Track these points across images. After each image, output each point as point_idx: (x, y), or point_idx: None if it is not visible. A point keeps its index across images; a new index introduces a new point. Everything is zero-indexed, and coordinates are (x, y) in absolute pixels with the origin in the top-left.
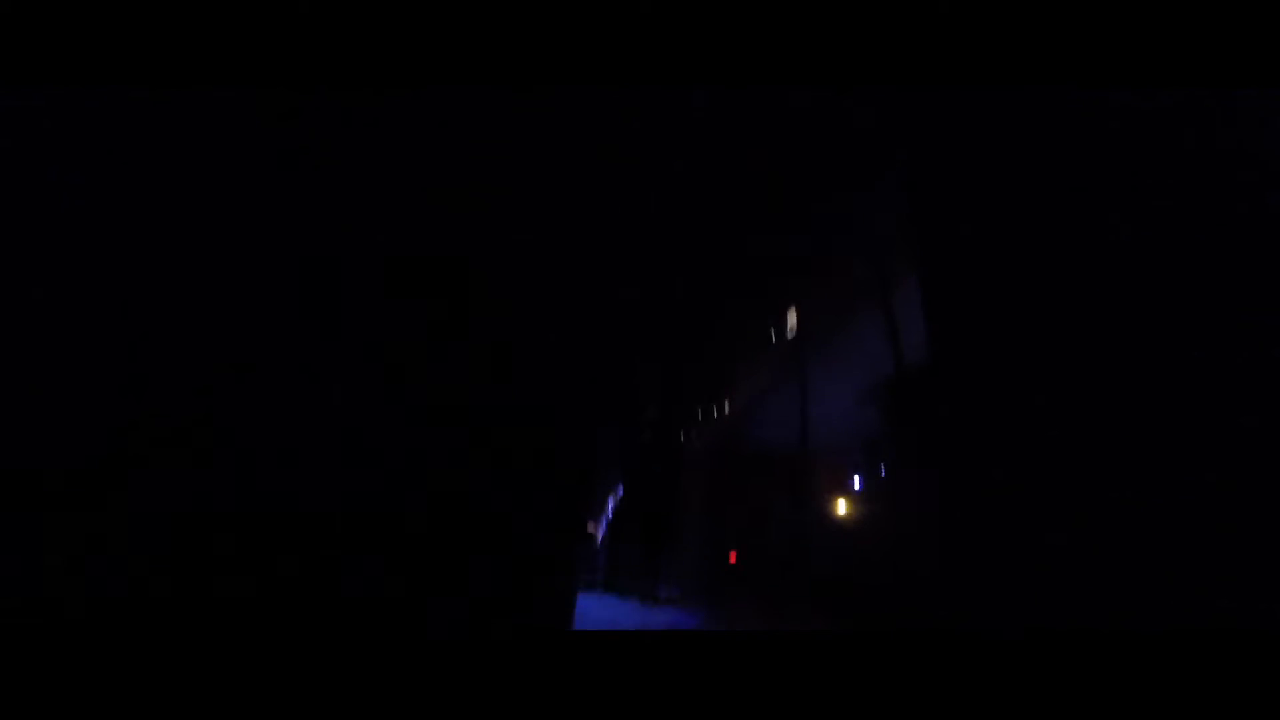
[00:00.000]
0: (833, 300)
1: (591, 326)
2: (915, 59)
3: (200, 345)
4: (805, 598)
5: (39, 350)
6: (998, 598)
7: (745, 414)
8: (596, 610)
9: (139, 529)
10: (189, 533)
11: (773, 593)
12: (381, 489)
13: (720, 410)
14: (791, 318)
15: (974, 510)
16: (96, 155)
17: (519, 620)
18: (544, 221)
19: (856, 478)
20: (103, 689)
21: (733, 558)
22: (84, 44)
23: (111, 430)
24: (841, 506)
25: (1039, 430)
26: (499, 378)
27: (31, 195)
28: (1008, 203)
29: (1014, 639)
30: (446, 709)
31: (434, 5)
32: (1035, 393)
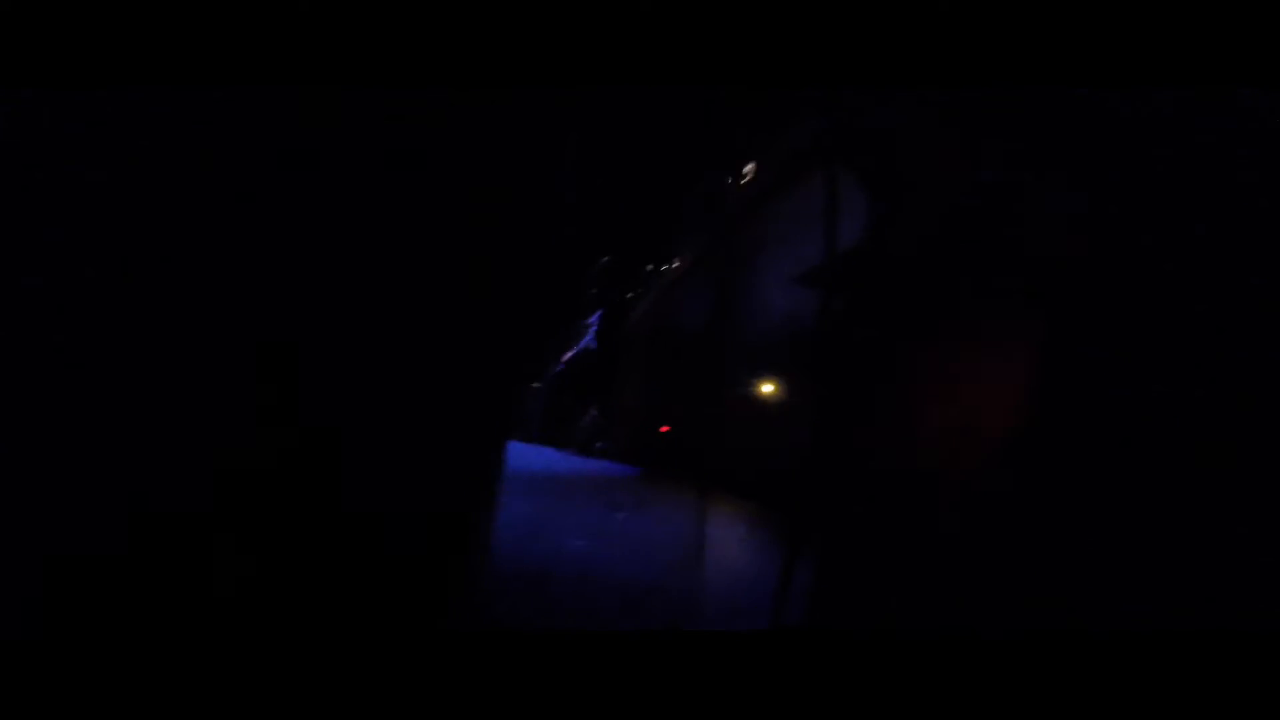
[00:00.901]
0: (789, 165)
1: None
2: (915, 59)
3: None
4: (727, 470)
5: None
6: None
7: (688, 285)
8: (533, 456)
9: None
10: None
11: (696, 460)
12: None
13: (667, 276)
14: (749, 168)
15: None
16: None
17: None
18: None
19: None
20: None
21: (664, 429)
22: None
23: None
24: (768, 388)
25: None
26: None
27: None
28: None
29: (1011, 639)
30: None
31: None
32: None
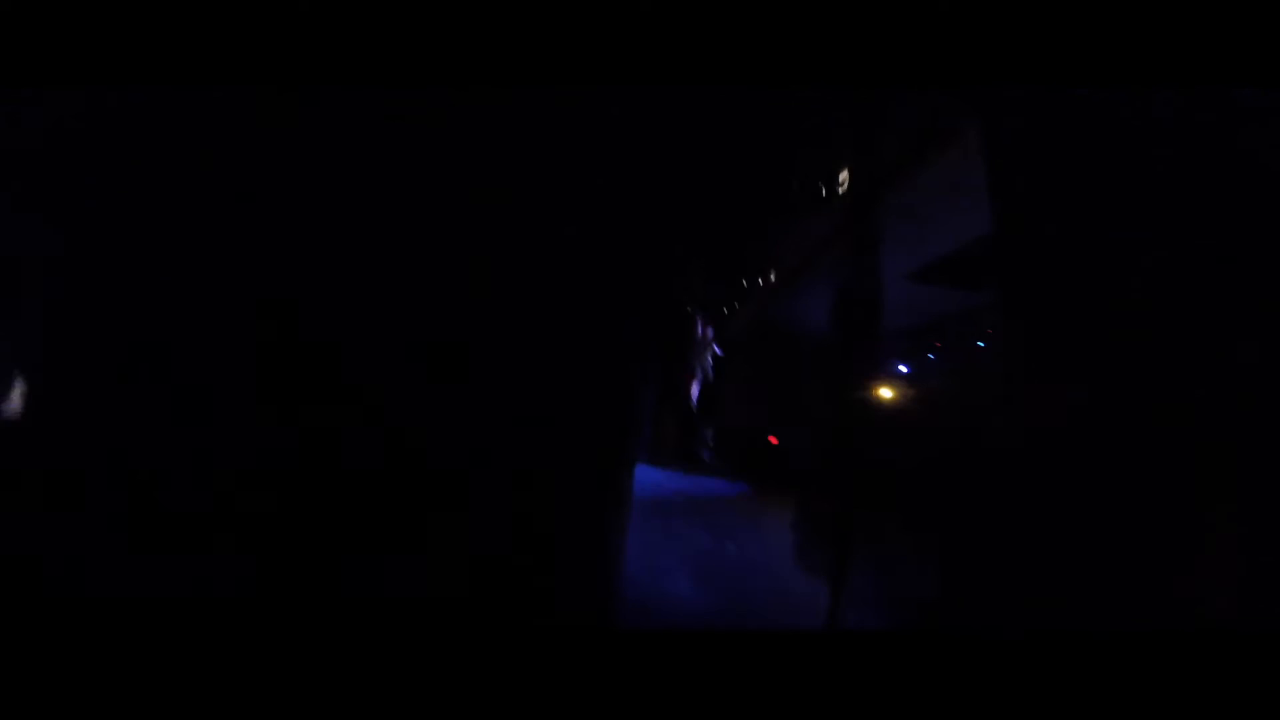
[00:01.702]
0: (888, 163)
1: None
2: (916, 59)
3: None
4: (845, 480)
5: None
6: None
7: (791, 289)
8: (641, 475)
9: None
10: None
11: (810, 472)
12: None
13: (766, 282)
14: (844, 175)
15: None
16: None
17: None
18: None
19: (902, 365)
20: None
21: (773, 440)
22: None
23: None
24: (886, 392)
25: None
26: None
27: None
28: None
29: (1014, 639)
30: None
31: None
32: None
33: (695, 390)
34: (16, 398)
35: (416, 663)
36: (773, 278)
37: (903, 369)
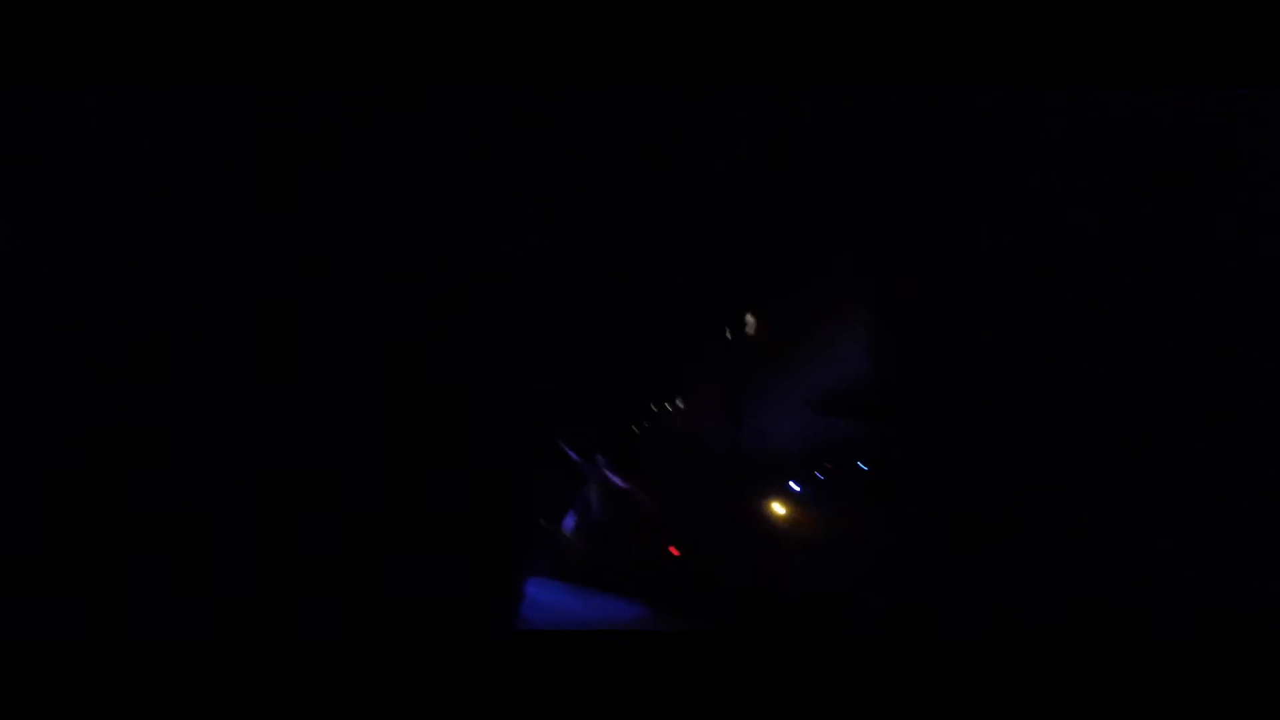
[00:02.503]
0: (793, 309)
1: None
2: (916, 59)
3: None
4: (737, 595)
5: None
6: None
7: (695, 414)
8: (541, 594)
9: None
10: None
11: (710, 589)
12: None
13: (672, 409)
14: (750, 319)
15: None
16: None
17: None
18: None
19: (793, 483)
20: None
21: (674, 551)
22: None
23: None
24: (779, 509)
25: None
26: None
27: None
28: (990, 203)
29: (1003, 638)
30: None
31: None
32: (1020, 394)
33: (570, 521)
34: None
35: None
36: (680, 405)
37: (794, 488)
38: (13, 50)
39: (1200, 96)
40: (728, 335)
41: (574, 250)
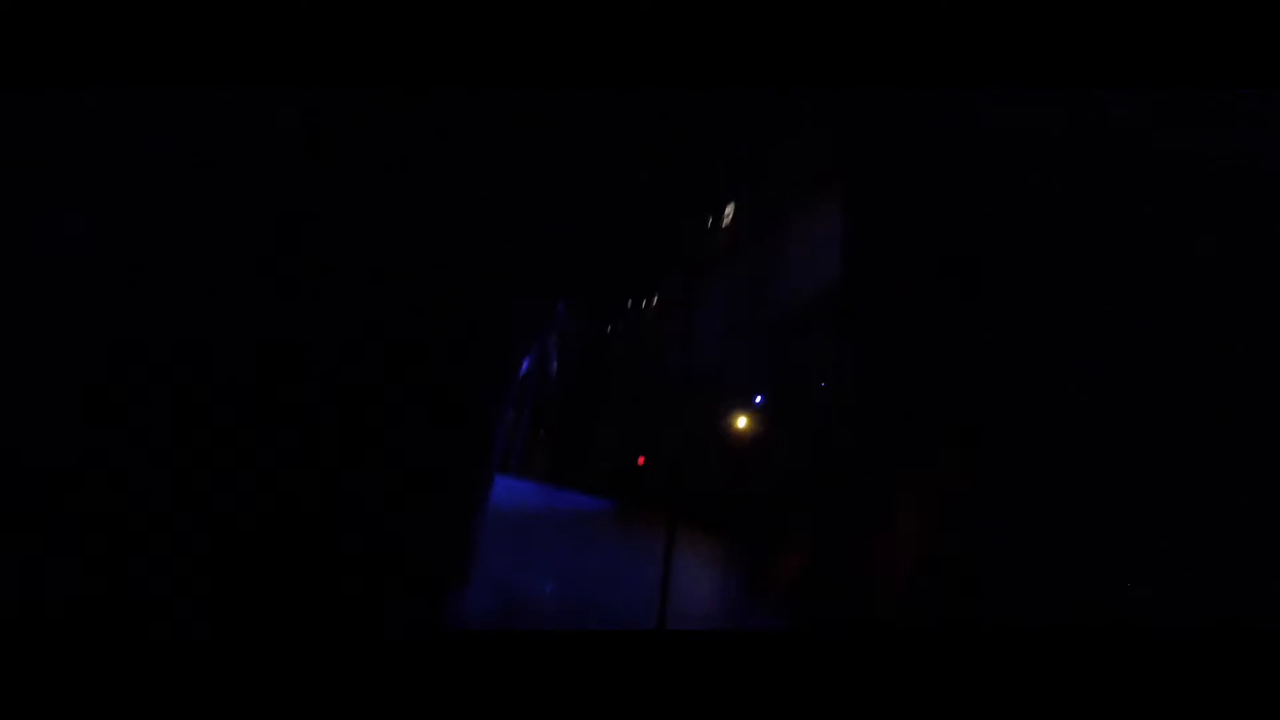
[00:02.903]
0: (770, 204)
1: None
2: (916, 58)
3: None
4: (693, 503)
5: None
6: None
7: (669, 313)
8: (507, 488)
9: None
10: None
11: (665, 495)
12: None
13: (648, 306)
14: (729, 210)
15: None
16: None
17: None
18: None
19: (759, 396)
20: None
21: (640, 460)
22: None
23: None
24: (741, 421)
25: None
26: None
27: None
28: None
29: (1002, 637)
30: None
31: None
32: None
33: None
34: None
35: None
36: (655, 302)
37: (758, 400)
38: (12, 50)
39: (1201, 96)
40: (708, 225)
41: (572, 249)
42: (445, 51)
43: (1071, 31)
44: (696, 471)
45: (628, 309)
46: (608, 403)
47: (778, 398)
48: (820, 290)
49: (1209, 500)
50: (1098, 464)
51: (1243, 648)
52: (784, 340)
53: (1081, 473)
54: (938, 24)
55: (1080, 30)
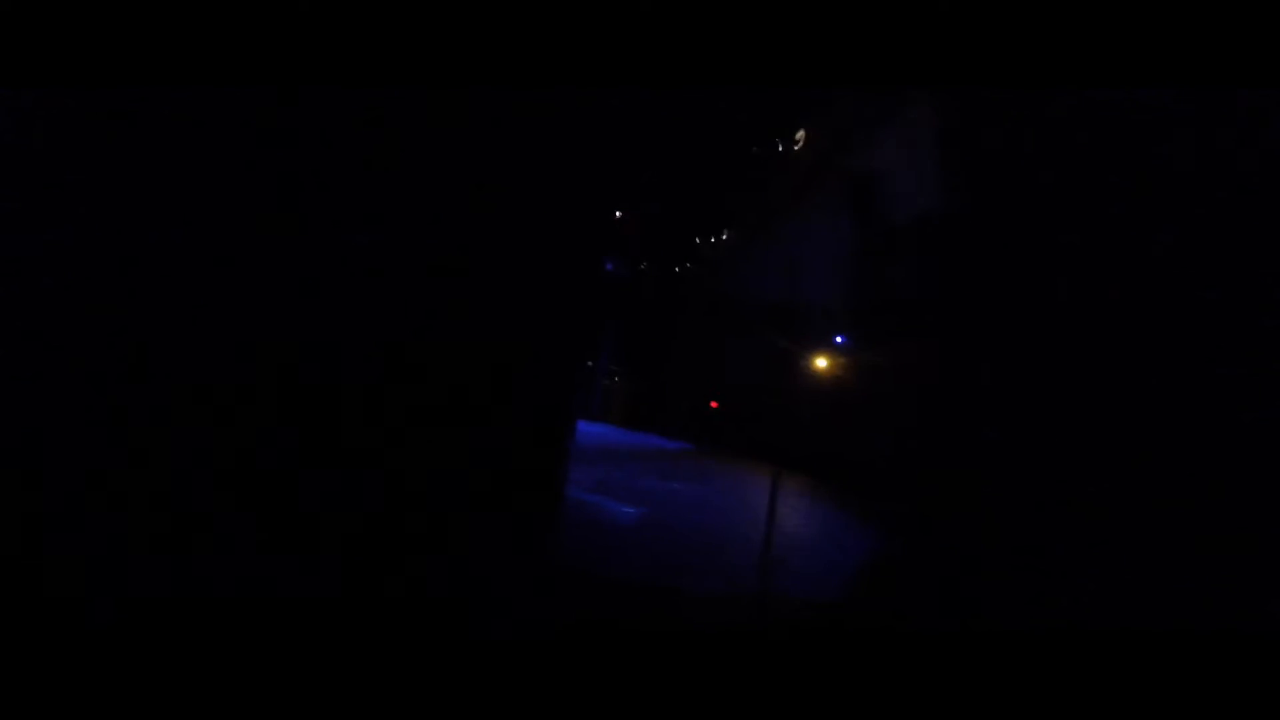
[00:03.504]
0: (842, 135)
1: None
2: (916, 58)
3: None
4: (767, 449)
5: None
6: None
7: (740, 254)
8: (585, 432)
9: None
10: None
11: (738, 439)
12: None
13: (717, 242)
14: (800, 134)
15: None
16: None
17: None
18: None
19: (839, 337)
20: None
21: (714, 404)
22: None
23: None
24: (821, 362)
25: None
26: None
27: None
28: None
29: (1017, 638)
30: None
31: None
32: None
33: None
34: None
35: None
36: (724, 237)
37: (839, 340)
38: (12, 50)
39: (1200, 96)
40: (778, 147)
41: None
42: (444, 51)
43: (1072, 32)
44: (776, 412)
45: (697, 244)
46: (681, 344)
47: (863, 332)
48: (911, 217)
49: (1209, 500)
50: (1099, 463)
51: (1242, 649)
52: (870, 272)
53: (1083, 472)
54: (938, 24)
55: (1080, 30)
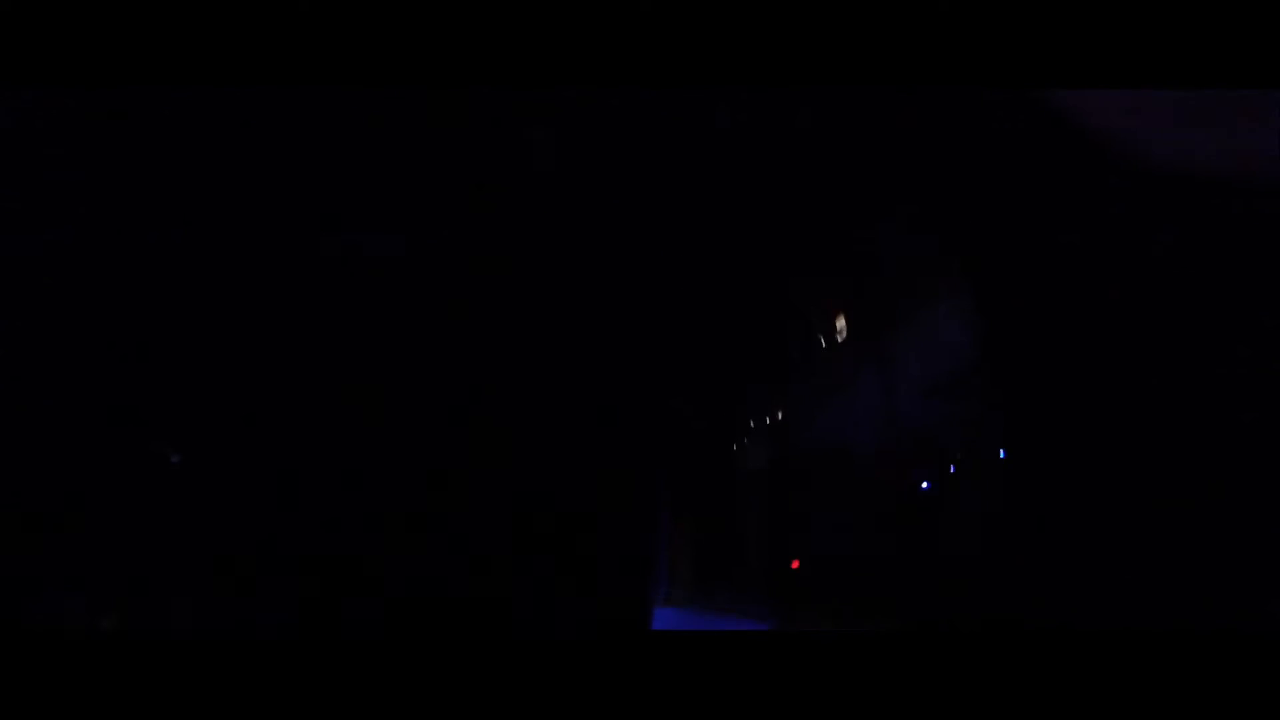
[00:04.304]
0: (880, 301)
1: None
2: (916, 58)
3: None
4: (863, 601)
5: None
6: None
7: (798, 422)
8: (658, 621)
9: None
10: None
11: (835, 598)
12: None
13: (773, 419)
14: (840, 322)
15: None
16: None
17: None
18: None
19: (925, 482)
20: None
21: (794, 564)
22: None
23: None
24: (905, 510)
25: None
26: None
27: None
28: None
29: (1033, 637)
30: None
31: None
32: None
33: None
34: None
35: None
36: (780, 416)
37: (924, 486)
38: (13, 50)
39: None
40: (821, 343)
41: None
42: (444, 52)
43: (1072, 32)
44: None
45: (750, 428)
46: (750, 509)
47: (940, 479)
48: (954, 367)
49: (1209, 500)
50: (1096, 463)
51: (1242, 648)
52: (932, 414)
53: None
54: (938, 24)
55: (1080, 30)
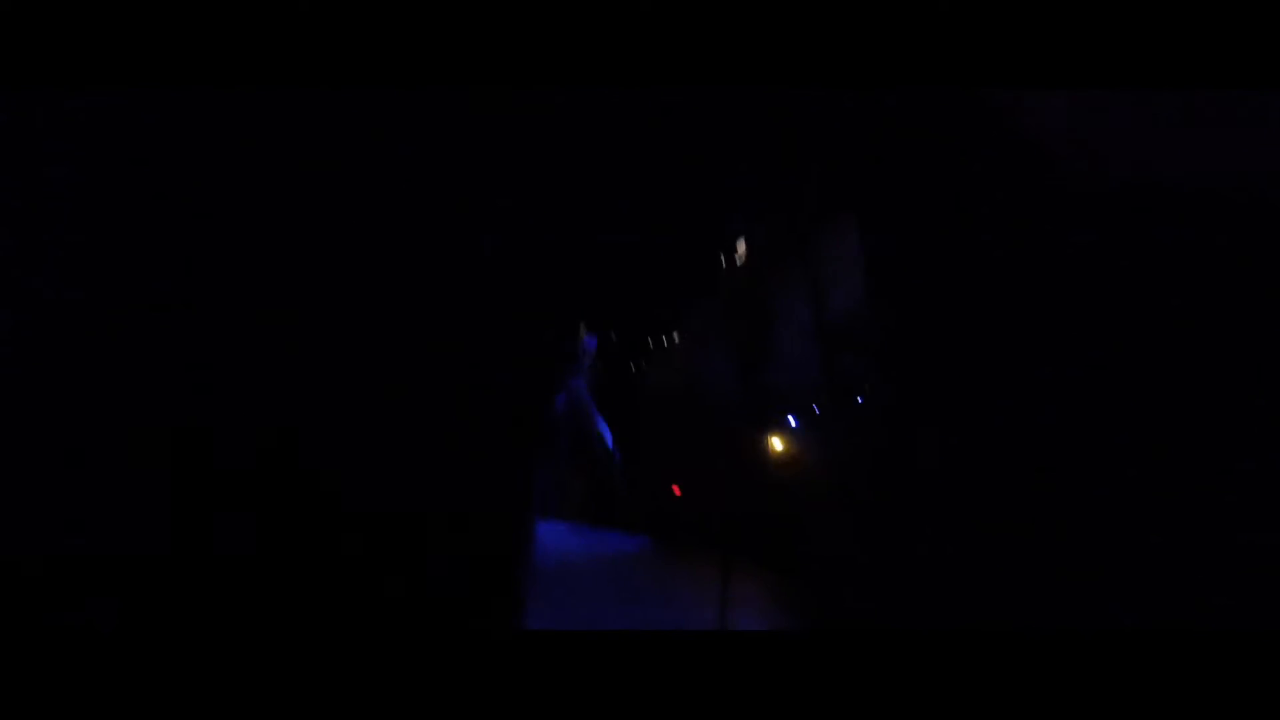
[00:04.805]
0: (781, 234)
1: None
2: (916, 58)
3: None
4: (735, 533)
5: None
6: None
7: (692, 349)
8: (550, 534)
9: None
10: None
11: (710, 525)
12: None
13: (669, 342)
14: (741, 247)
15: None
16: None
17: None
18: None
19: (791, 418)
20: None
21: (676, 490)
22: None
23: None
24: (776, 444)
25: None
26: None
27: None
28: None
29: (1013, 638)
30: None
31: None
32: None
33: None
34: None
35: None
36: (675, 339)
37: (791, 421)
38: (12, 50)
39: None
40: (721, 263)
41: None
42: (443, 52)
43: (1072, 32)
44: (743, 497)
45: (650, 347)
46: (639, 438)
47: (816, 418)
48: (848, 309)
49: (1208, 500)
50: (1096, 462)
51: (1242, 648)
52: (815, 360)
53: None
54: (938, 24)
55: (1080, 30)
